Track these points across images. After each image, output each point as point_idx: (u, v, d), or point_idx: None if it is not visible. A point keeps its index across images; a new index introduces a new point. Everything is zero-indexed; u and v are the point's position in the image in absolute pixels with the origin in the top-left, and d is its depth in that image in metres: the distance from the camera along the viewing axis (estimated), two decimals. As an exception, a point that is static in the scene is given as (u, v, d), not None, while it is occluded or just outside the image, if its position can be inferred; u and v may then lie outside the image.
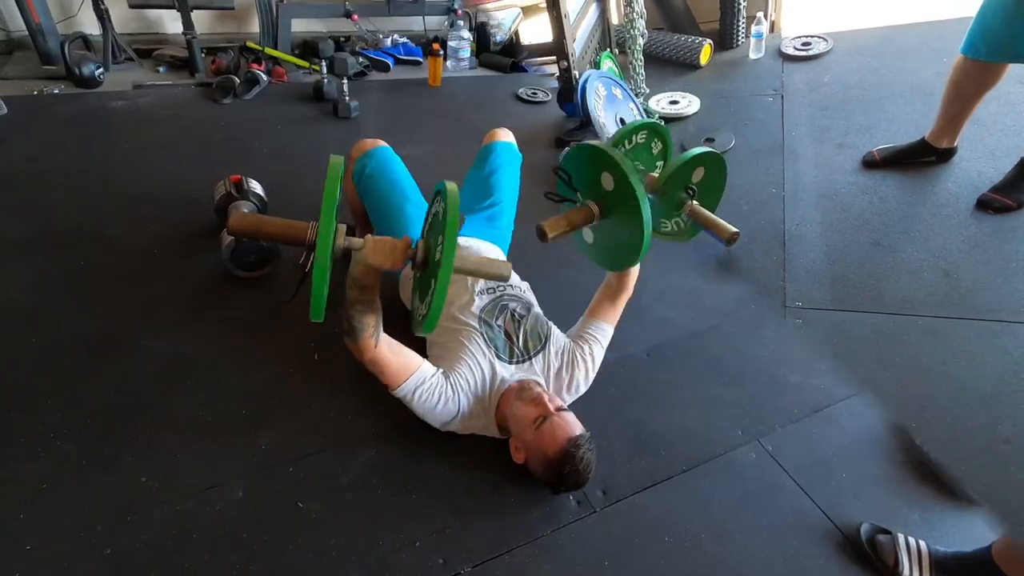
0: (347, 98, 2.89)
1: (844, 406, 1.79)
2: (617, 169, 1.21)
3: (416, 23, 4.04)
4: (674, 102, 2.59)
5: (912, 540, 1.36)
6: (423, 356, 1.44)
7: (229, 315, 1.74)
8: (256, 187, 2.02)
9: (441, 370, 1.42)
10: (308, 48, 3.46)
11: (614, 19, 2.71)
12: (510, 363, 1.47)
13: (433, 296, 1.08)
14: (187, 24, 3.02)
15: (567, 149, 1.40)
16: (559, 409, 1.36)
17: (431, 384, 1.37)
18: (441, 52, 3.41)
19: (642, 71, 2.62)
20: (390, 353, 1.34)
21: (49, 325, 1.62)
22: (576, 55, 2.30)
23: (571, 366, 1.52)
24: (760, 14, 2.63)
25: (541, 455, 1.31)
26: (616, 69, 2.65)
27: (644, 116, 2.46)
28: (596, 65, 2.49)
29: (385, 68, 3.55)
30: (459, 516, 1.33)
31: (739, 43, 2.75)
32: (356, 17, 3.54)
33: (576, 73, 2.30)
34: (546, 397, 1.37)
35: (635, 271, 1.57)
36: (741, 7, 2.64)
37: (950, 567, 1.31)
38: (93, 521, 1.21)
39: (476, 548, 1.27)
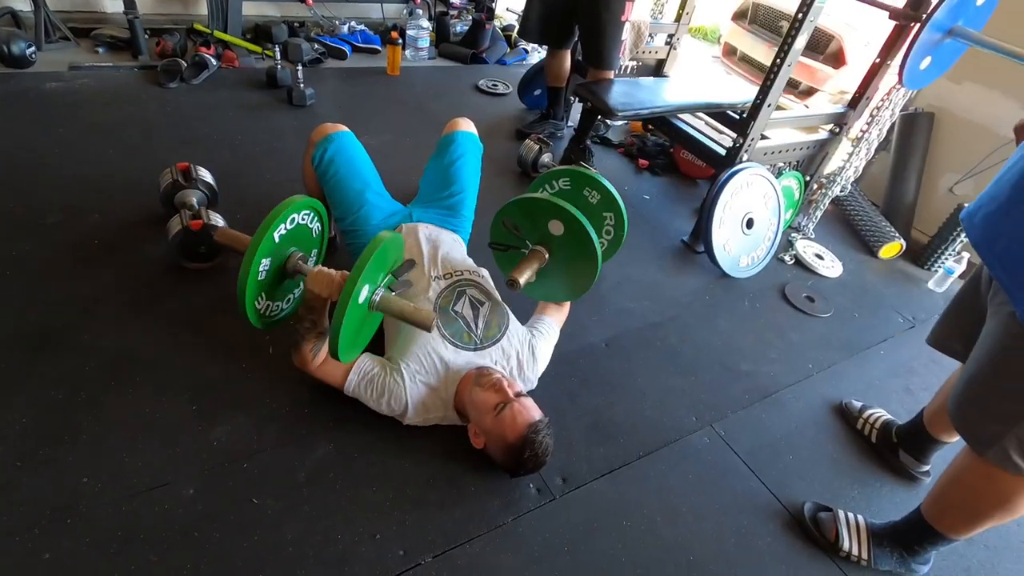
0: (302, 85, 2.80)
1: (790, 391, 1.88)
2: (568, 217, 1.40)
3: (374, 10, 3.96)
4: (819, 256, 2.52)
5: (851, 515, 1.44)
6: (381, 343, 1.45)
7: (177, 308, 1.67)
8: (205, 175, 1.94)
9: (383, 361, 1.43)
10: (260, 32, 3.34)
11: (834, 162, 2.58)
12: (466, 349, 1.47)
13: (331, 325, 1.17)
14: (128, 2, 2.85)
15: (507, 203, 1.51)
16: (518, 395, 1.37)
17: (372, 375, 1.39)
18: (400, 41, 3.35)
19: (818, 215, 2.56)
20: (326, 363, 1.40)
21: (-23, 320, 1.52)
22: (753, 144, 2.22)
23: (530, 355, 1.54)
24: (967, 254, 2.54)
25: (501, 440, 1.32)
26: (796, 193, 2.57)
27: (779, 236, 2.41)
28: (778, 174, 2.39)
29: (342, 56, 3.46)
30: (419, 508, 1.32)
31: (932, 267, 2.64)
32: (311, 2, 3.44)
33: (744, 156, 2.23)
34: (505, 383, 1.38)
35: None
36: (958, 239, 2.53)
37: (886, 534, 1.40)
38: (29, 525, 1.15)
39: (436, 539, 1.27)
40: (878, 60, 2.32)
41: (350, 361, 1.37)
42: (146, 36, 2.96)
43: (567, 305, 1.71)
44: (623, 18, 2.45)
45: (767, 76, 2.05)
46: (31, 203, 1.91)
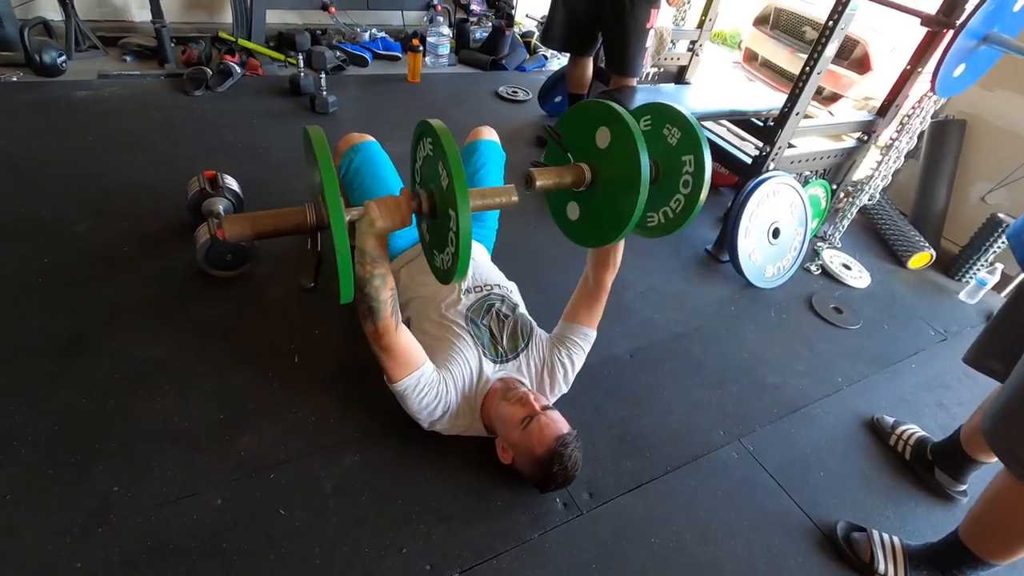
0: (324, 93, 2.82)
1: (820, 405, 1.84)
2: (615, 120, 1.13)
3: (395, 18, 3.99)
4: (847, 266, 2.47)
5: (886, 536, 1.40)
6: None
7: (204, 316, 1.68)
8: (232, 183, 1.96)
9: (436, 368, 1.40)
10: (284, 40, 3.37)
11: (861, 171, 2.53)
12: (495, 361, 1.46)
13: (458, 235, 0.99)
14: (156, 11, 2.90)
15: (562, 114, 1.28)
16: (545, 408, 1.35)
17: (431, 381, 1.35)
18: (421, 48, 3.37)
19: (845, 225, 2.50)
20: (406, 340, 1.30)
21: (10, 324, 1.54)
22: (780, 152, 2.17)
23: (552, 368, 1.52)
24: (1000, 265, 2.46)
25: (529, 455, 1.31)
26: (822, 202, 2.52)
27: (805, 246, 2.36)
28: (805, 182, 2.34)
29: (363, 63, 3.49)
30: (445, 521, 1.31)
31: (963, 278, 2.58)
32: (333, 10, 3.47)
33: (771, 165, 2.18)
34: (531, 396, 1.36)
35: (613, 272, 1.51)
36: (991, 250, 2.46)
37: (923, 557, 1.36)
38: (62, 533, 1.16)
39: (463, 553, 1.26)
40: (908, 67, 2.27)
41: (407, 363, 1.30)
42: (172, 44, 3.00)
43: (600, 304, 1.59)
44: (648, 25, 2.43)
45: (796, 83, 2.01)
46: (62, 211, 1.94)
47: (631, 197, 1.14)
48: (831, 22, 1.87)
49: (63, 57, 2.74)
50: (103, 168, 2.19)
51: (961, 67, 2.04)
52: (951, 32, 2.02)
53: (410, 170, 1.31)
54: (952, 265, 2.63)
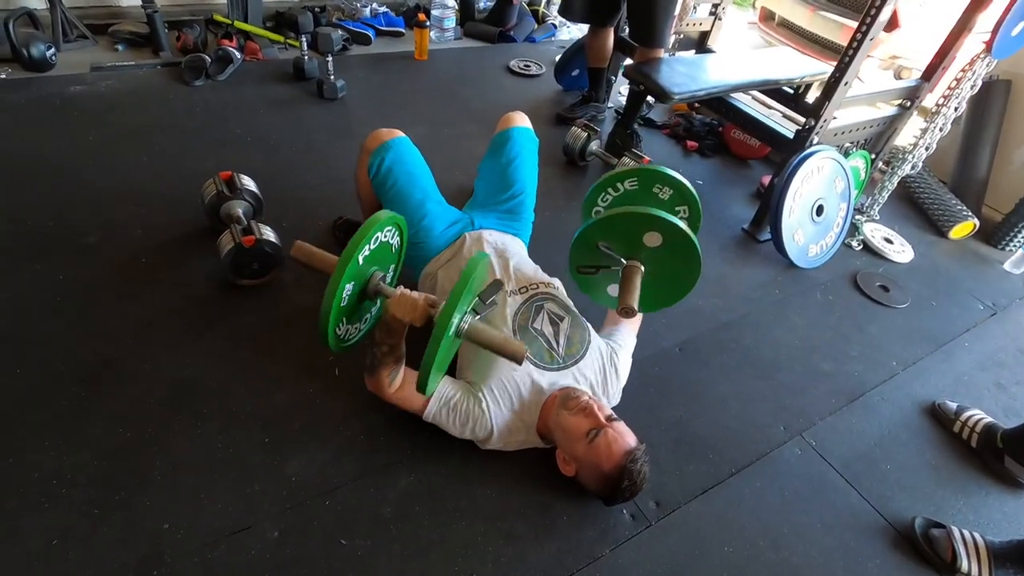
0: (332, 77, 2.67)
1: (877, 392, 1.77)
2: (668, 226, 1.27)
3: (394, -10, 3.77)
4: (888, 240, 2.39)
5: (967, 532, 1.35)
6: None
7: (234, 330, 1.59)
8: (249, 184, 1.84)
9: (463, 385, 1.34)
10: (282, 20, 3.19)
11: (902, 138, 2.40)
12: (549, 370, 1.38)
13: (424, 355, 1.10)
14: (146, -4, 2.73)
15: (580, 229, 1.35)
16: (610, 419, 1.28)
17: (455, 401, 1.31)
18: (428, 23, 3.19)
19: (885, 196, 2.39)
20: (404, 389, 1.31)
21: (33, 352, 1.45)
22: (825, 125, 2.06)
23: (613, 372, 1.45)
24: None
25: (596, 470, 1.24)
26: (862, 174, 2.40)
27: (848, 221, 2.29)
28: (845, 154, 2.24)
29: (366, 41, 3.31)
30: (512, 542, 1.25)
31: (1007, 247, 2.47)
32: (332, -15, 3.27)
33: (815, 139, 2.06)
34: (595, 407, 1.29)
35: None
36: None
37: (1009, 555, 1.31)
38: (115, 578, 1.09)
39: (537, 575, 1.20)
40: (957, 27, 2.13)
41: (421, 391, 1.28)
42: (165, 30, 2.82)
43: (637, 322, 1.60)
44: (677, -8, 2.28)
45: (845, 52, 1.88)
46: (69, 221, 1.83)
47: (685, 282, 1.38)
48: (888, -18, 1.73)
49: (52, 49, 2.57)
50: (107, 171, 2.07)
51: (1021, 25, 1.91)
52: (1010, -12, 1.88)
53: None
54: (995, 234, 2.54)
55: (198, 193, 1.82)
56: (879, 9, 1.75)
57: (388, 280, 1.34)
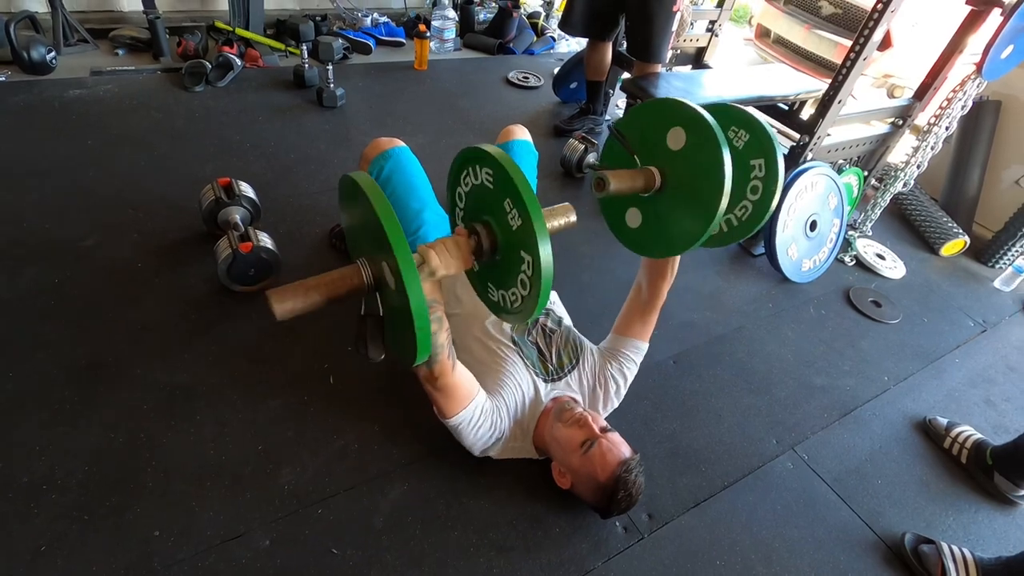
0: (332, 85, 2.68)
1: (869, 407, 1.79)
2: (694, 121, 1.04)
3: (396, 0, 3.81)
4: (881, 256, 2.42)
5: (956, 548, 1.36)
6: None
7: (230, 336, 1.59)
8: (247, 190, 1.84)
9: (488, 395, 1.32)
10: (283, 28, 3.21)
11: (894, 156, 2.45)
12: (545, 381, 1.39)
13: (538, 280, 0.91)
14: (148, 1, 2.74)
15: (628, 110, 1.18)
16: (604, 430, 1.29)
17: (486, 411, 1.28)
18: (428, 34, 3.22)
19: (877, 213, 2.41)
20: (461, 376, 1.22)
21: (25, 356, 1.44)
22: (819, 142, 2.08)
23: (604, 384, 1.45)
24: None
25: (591, 481, 1.24)
26: (855, 190, 2.44)
27: (841, 237, 2.30)
28: (839, 171, 2.27)
29: (367, 50, 3.33)
30: (504, 554, 1.25)
31: (997, 265, 2.52)
32: (334, -6, 3.30)
33: (809, 155, 2.09)
34: (590, 418, 1.30)
35: (670, 282, 1.45)
36: None
37: (998, 573, 1.31)
38: (103, 586, 1.09)
39: (527, 588, 1.20)
40: (949, 48, 2.17)
41: (462, 396, 1.23)
42: (166, 36, 2.84)
43: (653, 315, 1.51)
44: (675, 9, 2.31)
45: (839, 71, 1.91)
46: (67, 224, 1.83)
47: (710, 205, 1.05)
48: (880, 4, 1.76)
49: (52, 53, 2.58)
50: (106, 175, 2.07)
51: (1009, 48, 1.95)
52: (1000, 11, 1.93)
53: (449, 198, 1.16)
54: (986, 251, 2.57)
55: (196, 198, 1.83)
56: (872, 29, 1.79)
57: None
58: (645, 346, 1.50)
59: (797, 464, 1.57)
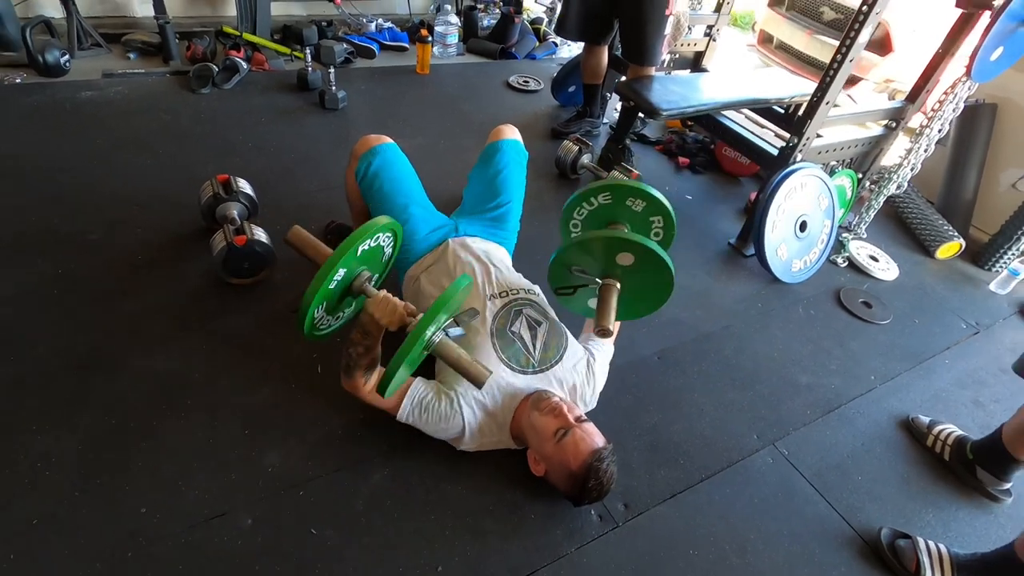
0: (334, 88, 2.75)
1: (854, 405, 1.79)
2: (638, 248, 1.33)
3: (401, 6, 3.90)
4: (874, 258, 2.43)
5: (932, 544, 1.37)
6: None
7: (223, 326, 1.64)
8: (245, 187, 1.91)
9: (436, 385, 1.38)
10: (289, 33, 3.30)
11: (888, 158, 2.46)
12: (525, 373, 1.42)
13: (392, 360, 1.15)
14: (158, 7, 2.84)
15: (558, 250, 1.43)
16: (579, 420, 1.32)
17: (428, 402, 1.34)
18: (430, 38, 3.28)
19: (871, 215, 2.41)
20: (374, 389, 1.34)
21: (27, 342, 1.50)
22: (807, 143, 2.11)
23: (588, 378, 1.48)
24: None
25: (564, 469, 1.27)
26: (848, 192, 2.48)
27: (832, 238, 2.32)
28: (831, 173, 2.29)
29: (370, 55, 3.41)
30: (481, 538, 1.28)
31: (993, 268, 2.52)
32: (339, 0, 3.38)
33: (798, 156, 2.12)
34: (565, 407, 1.33)
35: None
36: None
37: (973, 568, 1.32)
38: (91, 559, 1.13)
39: (500, 571, 1.23)
40: (940, 50, 2.18)
41: (397, 390, 1.33)
42: (176, 40, 2.93)
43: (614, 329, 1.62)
44: (667, 12, 2.35)
45: (826, 72, 1.94)
46: (74, 219, 1.90)
47: (660, 295, 1.43)
48: (865, 7, 1.79)
49: (66, 56, 2.68)
50: (113, 173, 2.14)
51: (999, 50, 1.95)
52: (989, 14, 1.94)
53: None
54: (982, 254, 2.56)
55: (197, 195, 1.89)
56: (858, 31, 1.81)
57: (372, 284, 1.40)
58: (612, 345, 1.58)
59: (777, 459, 1.58)
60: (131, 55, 2.96)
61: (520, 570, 1.24)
